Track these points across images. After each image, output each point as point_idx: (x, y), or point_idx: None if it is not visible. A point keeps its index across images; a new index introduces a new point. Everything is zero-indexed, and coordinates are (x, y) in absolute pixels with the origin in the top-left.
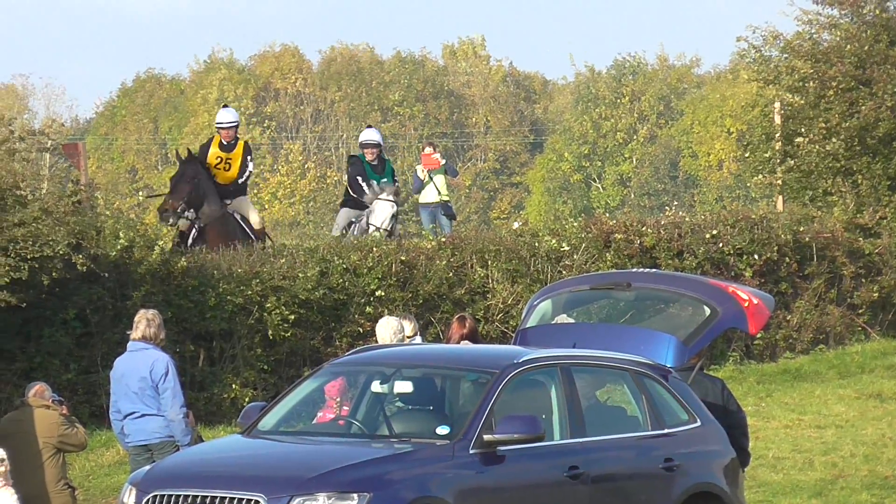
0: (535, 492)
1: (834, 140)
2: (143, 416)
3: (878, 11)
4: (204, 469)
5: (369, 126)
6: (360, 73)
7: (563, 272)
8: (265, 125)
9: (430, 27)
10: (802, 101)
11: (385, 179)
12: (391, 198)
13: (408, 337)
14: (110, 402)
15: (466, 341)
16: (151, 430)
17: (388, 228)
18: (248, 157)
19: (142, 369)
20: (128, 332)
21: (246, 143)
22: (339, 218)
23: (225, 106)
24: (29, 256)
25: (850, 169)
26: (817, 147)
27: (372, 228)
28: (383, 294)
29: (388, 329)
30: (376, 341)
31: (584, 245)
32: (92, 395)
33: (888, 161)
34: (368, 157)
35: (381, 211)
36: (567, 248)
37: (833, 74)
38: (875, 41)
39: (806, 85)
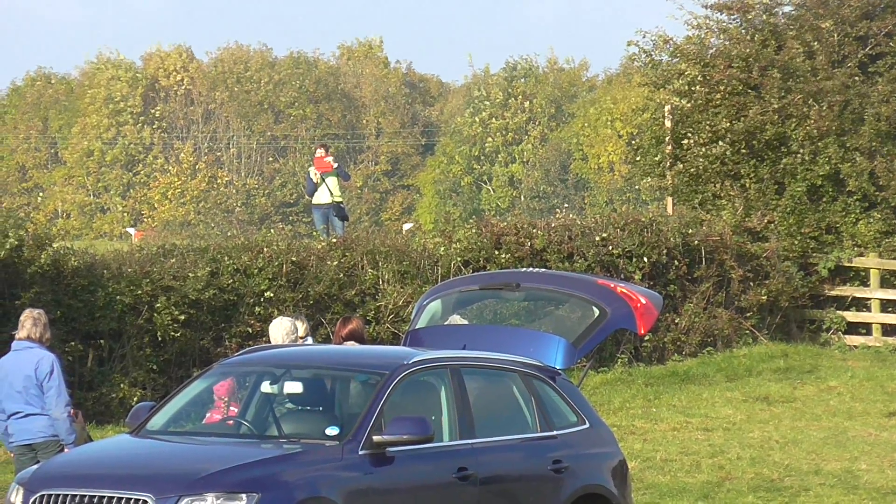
0: (424, 493)
1: (720, 143)
2: (27, 415)
3: (765, 17)
4: (93, 469)
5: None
6: (248, 72)
7: (453, 273)
8: (154, 126)
9: (328, 28)
10: (690, 105)
11: None
12: None
13: (300, 337)
14: None
15: (352, 342)
16: (36, 430)
17: None
18: None
19: (26, 368)
20: (13, 333)
21: None
22: None
23: None
24: None
25: (738, 172)
26: (704, 150)
27: None
28: (273, 295)
29: (281, 329)
30: (268, 341)
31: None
32: None
33: (775, 165)
34: None
35: None
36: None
37: (720, 78)
38: (763, 46)
39: (694, 89)
